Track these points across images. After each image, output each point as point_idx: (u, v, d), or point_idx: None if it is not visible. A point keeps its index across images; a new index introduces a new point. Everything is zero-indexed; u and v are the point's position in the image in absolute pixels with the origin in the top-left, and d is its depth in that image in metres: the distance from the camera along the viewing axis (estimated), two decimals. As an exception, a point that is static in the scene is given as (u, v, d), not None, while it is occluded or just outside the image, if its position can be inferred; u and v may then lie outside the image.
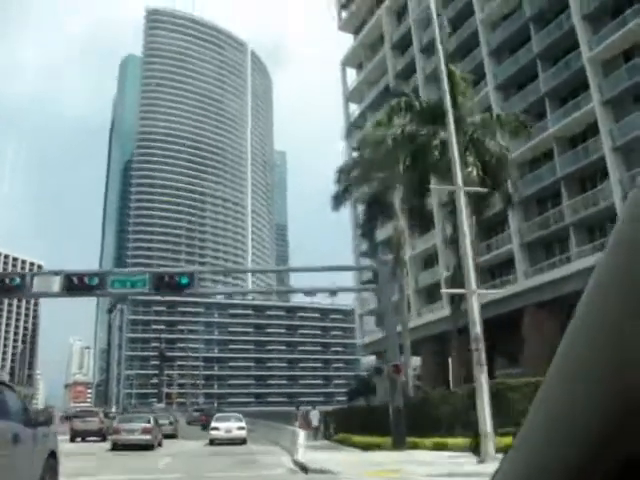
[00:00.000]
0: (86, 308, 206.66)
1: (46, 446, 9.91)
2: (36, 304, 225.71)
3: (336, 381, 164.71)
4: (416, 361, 69.63)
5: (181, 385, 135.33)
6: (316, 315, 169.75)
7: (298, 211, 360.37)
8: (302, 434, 23.87)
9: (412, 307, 51.68)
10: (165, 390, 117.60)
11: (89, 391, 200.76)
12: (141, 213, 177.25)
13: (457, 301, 27.93)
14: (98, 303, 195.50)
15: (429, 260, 54.48)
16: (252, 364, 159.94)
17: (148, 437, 26.71)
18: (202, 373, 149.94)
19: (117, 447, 26.66)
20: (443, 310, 42.81)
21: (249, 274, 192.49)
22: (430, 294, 52.90)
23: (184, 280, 25.75)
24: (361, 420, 32.53)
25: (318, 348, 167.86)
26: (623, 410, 0.70)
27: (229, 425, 32.40)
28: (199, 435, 40.85)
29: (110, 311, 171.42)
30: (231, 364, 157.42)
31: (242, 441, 31.25)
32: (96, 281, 25.62)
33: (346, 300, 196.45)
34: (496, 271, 46.78)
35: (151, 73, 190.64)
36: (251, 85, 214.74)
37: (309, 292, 34.03)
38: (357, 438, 28.12)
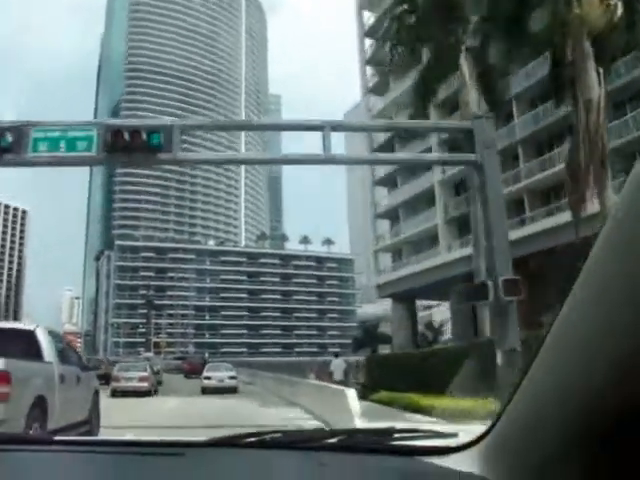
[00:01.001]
0: (75, 257, 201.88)
1: (92, 385, 13.02)
2: (21, 250, 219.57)
3: (330, 332, 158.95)
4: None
5: (170, 334, 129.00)
6: (312, 264, 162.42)
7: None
8: (353, 394, 14.51)
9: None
10: (153, 339, 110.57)
11: (79, 340, 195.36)
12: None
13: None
14: (86, 251, 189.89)
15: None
16: (245, 313, 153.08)
17: (145, 384, 28.35)
18: (193, 322, 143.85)
19: (116, 394, 27.36)
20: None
21: (241, 216, 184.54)
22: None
23: (155, 139, 12.25)
24: (412, 372, 23.09)
25: (313, 298, 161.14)
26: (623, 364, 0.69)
27: (221, 374, 32.80)
28: (182, 386, 38.28)
29: (97, 258, 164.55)
30: (223, 313, 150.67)
31: (233, 390, 31.36)
32: (7, 141, 12.90)
33: (343, 248, 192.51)
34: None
35: (139, 7, 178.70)
36: (245, 23, 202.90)
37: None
38: (429, 400, 17.60)
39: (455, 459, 1.40)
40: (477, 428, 1.37)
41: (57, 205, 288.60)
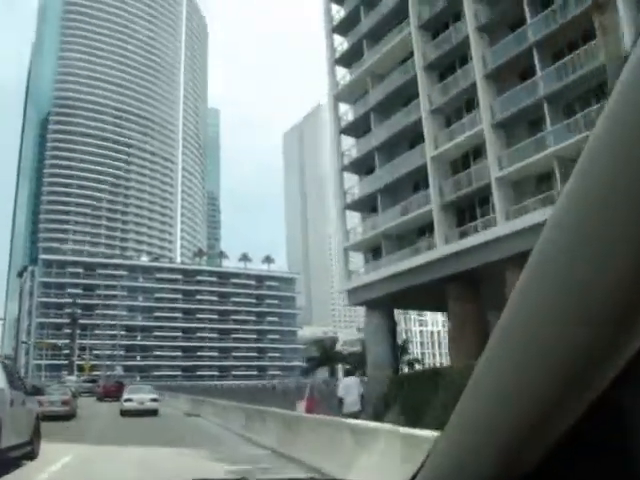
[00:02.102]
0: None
1: (34, 409, 13.46)
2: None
3: (271, 354, 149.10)
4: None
5: (97, 356, 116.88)
6: (251, 282, 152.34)
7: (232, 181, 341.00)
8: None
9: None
10: (77, 361, 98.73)
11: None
12: (57, 172, 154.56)
13: None
14: (10, 268, 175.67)
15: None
16: (180, 334, 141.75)
17: (67, 408, 27.37)
18: (123, 343, 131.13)
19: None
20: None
21: (177, 231, 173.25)
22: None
23: None
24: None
25: (252, 318, 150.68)
26: (560, 391, 0.68)
27: (142, 397, 31.70)
28: (98, 410, 35.92)
29: (20, 274, 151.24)
30: (156, 333, 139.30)
31: (154, 412, 30.50)
32: None
33: (281, 266, 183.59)
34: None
35: (72, 15, 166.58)
36: (185, 34, 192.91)
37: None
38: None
39: None
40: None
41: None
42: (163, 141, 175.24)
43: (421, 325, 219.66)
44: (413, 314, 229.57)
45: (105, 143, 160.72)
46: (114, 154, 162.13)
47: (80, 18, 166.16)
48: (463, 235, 34.78)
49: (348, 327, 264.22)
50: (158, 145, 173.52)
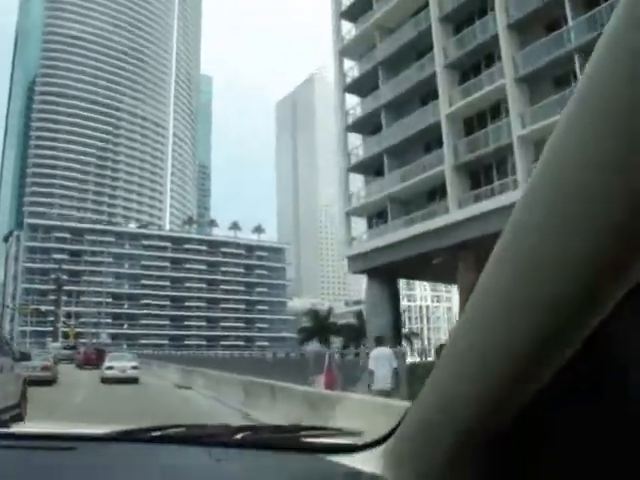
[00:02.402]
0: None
1: (22, 374, 13.94)
2: None
3: (259, 324, 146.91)
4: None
5: (83, 323, 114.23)
6: (241, 252, 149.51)
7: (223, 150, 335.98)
8: None
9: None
10: (62, 328, 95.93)
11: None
12: (44, 135, 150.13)
13: None
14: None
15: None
16: (167, 303, 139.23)
17: (48, 373, 27.70)
18: (109, 311, 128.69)
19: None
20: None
21: (167, 199, 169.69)
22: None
23: None
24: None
25: (241, 288, 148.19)
26: (538, 346, 0.68)
27: (123, 364, 31.82)
28: (78, 378, 34.54)
29: (6, 239, 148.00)
30: (143, 301, 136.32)
31: (135, 380, 30.44)
32: None
33: (272, 237, 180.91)
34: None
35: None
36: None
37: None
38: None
39: (358, 458, 1.36)
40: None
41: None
42: (154, 106, 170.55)
43: (409, 300, 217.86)
44: (403, 289, 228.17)
45: (94, 106, 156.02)
46: (103, 117, 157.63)
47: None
48: (477, 199, 32.07)
49: (337, 300, 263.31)
50: (149, 110, 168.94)
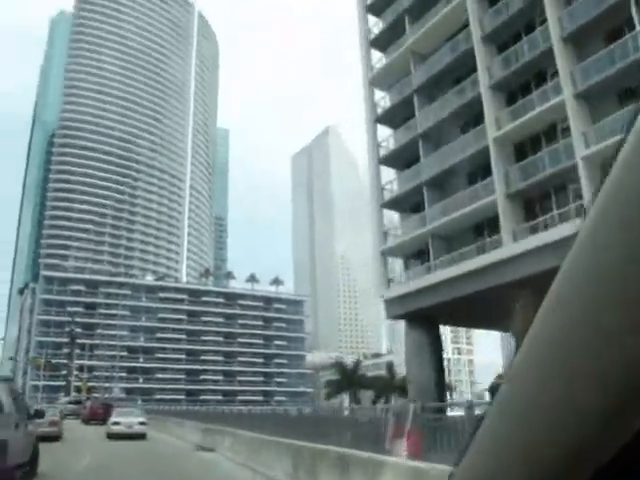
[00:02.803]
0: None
1: (34, 431, 14.35)
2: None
3: (278, 379, 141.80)
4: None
5: (97, 377, 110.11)
6: (259, 304, 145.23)
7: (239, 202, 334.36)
8: None
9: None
10: (75, 382, 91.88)
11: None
12: (61, 187, 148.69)
13: None
14: (12, 287, 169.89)
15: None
16: (184, 356, 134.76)
17: (55, 429, 27.09)
18: (124, 364, 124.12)
19: None
20: None
21: (184, 251, 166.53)
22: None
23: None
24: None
25: (259, 341, 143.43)
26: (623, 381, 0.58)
27: (130, 420, 30.66)
28: (84, 434, 33.49)
29: (21, 292, 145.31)
30: (159, 355, 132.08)
31: (142, 436, 29.59)
32: None
33: (289, 289, 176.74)
34: None
35: (82, 29, 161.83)
36: (196, 51, 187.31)
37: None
38: None
39: None
40: None
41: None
42: (172, 158, 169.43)
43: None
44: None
45: (111, 158, 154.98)
46: (120, 169, 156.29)
47: (88, 39, 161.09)
48: (533, 231, 28.31)
49: (353, 353, 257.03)
50: (166, 162, 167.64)
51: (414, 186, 35.92)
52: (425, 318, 33.94)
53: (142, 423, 31.17)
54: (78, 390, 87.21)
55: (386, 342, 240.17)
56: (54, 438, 25.70)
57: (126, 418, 31.15)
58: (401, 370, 50.04)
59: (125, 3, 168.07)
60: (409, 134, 37.59)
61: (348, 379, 60.26)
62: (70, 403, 60.84)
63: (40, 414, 15.40)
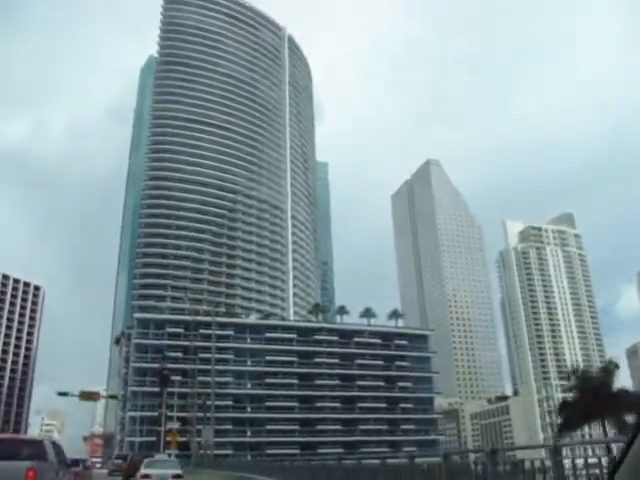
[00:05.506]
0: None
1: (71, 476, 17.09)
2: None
3: (404, 426, 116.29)
4: None
5: (196, 432, 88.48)
6: (377, 341, 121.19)
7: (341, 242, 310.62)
8: None
9: None
10: (167, 437, 70.32)
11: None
12: (154, 222, 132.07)
13: None
14: (112, 336, 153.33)
15: None
16: (296, 404, 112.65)
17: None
18: (230, 415, 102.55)
19: None
20: None
21: (289, 287, 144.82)
22: None
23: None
24: None
25: (381, 383, 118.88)
26: None
27: (162, 472, 26.30)
28: None
29: (117, 341, 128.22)
30: (268, 404, 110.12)
31: None
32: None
33: (411, 322, 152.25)
34: None
35: (167, 67, 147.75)
36: (289, 75, 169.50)
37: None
38: None
39: None
40: None
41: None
42: (271, 187, 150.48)
43: (564, 391, 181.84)
44: (554, 381, 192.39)
45: (208, 190, 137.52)
46: (218, 201, 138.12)
47: (174, 75, 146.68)
48: None
49: (475, 398, 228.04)
50: (265, 191, 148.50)
51: None
52: None
53: (178, 476, 26.56)
54: (167, 445, 66.54)
55: (511, 382, 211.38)
56: None
57: (158, 469, 26.76)
58: None
59: (210, 29, 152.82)
60: None
61: (595, 396, 35.10)
62: (117, 458, 57.81)
63: (76, 463, 19.48)
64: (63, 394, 70.80)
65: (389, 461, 13.86)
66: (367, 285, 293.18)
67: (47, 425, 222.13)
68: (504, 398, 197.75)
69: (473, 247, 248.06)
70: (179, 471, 27.18)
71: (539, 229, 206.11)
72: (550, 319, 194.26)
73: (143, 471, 26.75)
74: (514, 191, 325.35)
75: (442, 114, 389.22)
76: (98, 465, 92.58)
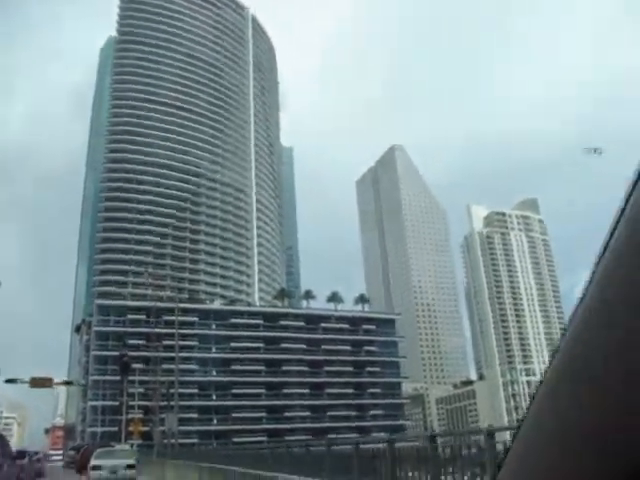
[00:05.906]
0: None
1: (16, 470, 17.21)
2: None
3: (372, 411, 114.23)
4: None
5: (160, 421, 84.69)
6: (345, 326, 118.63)
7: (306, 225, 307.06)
8: None
9: None
10: (130, 427, 66.75)
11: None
12: (114, 206, 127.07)
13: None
14: (72, 324, 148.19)
15: None
16: (263, 391, 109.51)
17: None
18: (195, 404, 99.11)
19: None
20: None
21: (255, 273, 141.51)
22: None
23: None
24: None
25: (349, 369, 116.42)
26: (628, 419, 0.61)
27: (114, 463, 25.08)
28: None
29: (77, 329, 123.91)
30: (235, 391, 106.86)
31: None
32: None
33: (377, 306, 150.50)
34: None
35: (125, 45, 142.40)
36: (253, 56, 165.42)
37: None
38: None
39: None
40: None
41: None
42: (236, 171, 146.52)
43: (527, 375, 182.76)
44: (519, 365, 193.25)
45: (172, 172, 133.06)
46: (181, 184, 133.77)
47: (134, 55, 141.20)
48: None
49: (440, 383, 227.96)
50: (229, 175, 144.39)
51: None
52: None
53: (130, 466, 25.40)
54: (129, 434, 63.28)
55: (476, 367, 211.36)
56: None
57: (109, 460, 25.48)
58: None
59: (171, 8, 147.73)
60: None
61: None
62: (72, 449, 54.50)
63: (21, 455, 18.81)
64: (11, 381, 65.26)
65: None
66: (333, 270, 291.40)
67: (7, 418, 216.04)
68: (469, 382, 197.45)
69: (438, 232, 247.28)
70: (132, 461, 26.08)
71: (503, 214, 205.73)
72: (514, 304, 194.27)
73: (93, 462, 25.62)
74: (479, 177, 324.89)
75: (407, 100, 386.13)
76: (56, 458, 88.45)
